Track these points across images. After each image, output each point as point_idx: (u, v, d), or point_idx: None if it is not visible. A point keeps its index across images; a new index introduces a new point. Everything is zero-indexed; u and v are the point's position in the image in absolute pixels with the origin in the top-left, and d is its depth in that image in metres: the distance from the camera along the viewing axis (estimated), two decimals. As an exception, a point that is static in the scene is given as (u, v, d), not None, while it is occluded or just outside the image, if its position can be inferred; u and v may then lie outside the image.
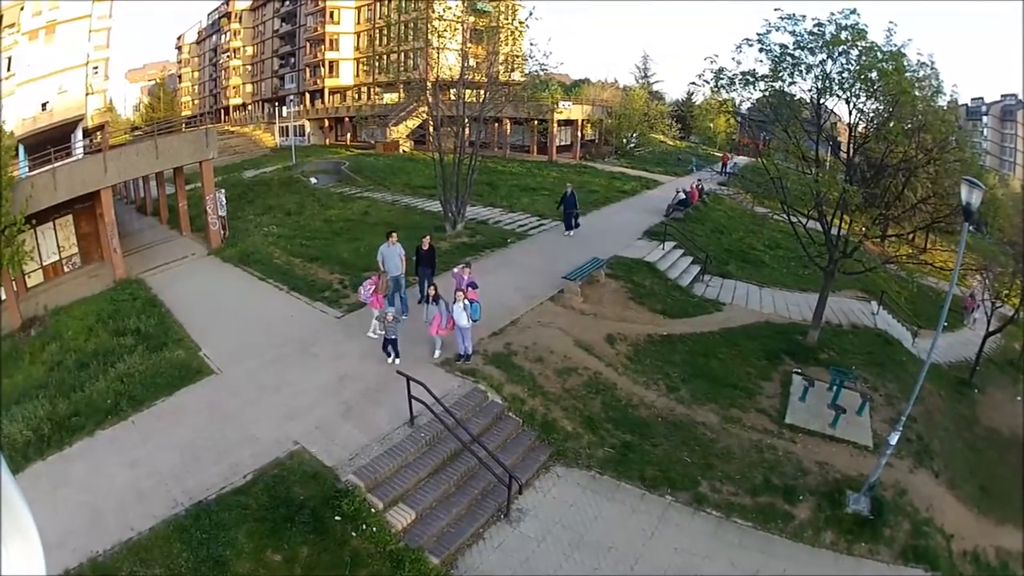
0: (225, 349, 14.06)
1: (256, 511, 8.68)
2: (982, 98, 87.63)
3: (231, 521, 8.48)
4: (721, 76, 16.44)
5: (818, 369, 15.61)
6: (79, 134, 28.75)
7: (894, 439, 10.72)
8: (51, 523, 8.39)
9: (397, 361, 12.70)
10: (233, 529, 8.35)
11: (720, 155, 53.81)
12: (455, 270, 14.40)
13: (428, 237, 16.33)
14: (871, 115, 15.72)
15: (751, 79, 16.15)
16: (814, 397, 14.23)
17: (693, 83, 21.37)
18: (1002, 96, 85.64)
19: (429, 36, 25.50)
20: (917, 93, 14.93)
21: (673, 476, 10.87)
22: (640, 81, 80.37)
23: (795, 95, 16.42)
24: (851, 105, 15.47)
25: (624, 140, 55.39)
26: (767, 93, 16.49)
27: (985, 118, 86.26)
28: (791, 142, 16.20)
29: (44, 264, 24.11)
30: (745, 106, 18.01)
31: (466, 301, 12.57)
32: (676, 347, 15.76)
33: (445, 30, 23.77)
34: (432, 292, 12.79)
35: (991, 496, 13.41)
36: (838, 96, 15.52)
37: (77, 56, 28.82)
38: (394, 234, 15.37)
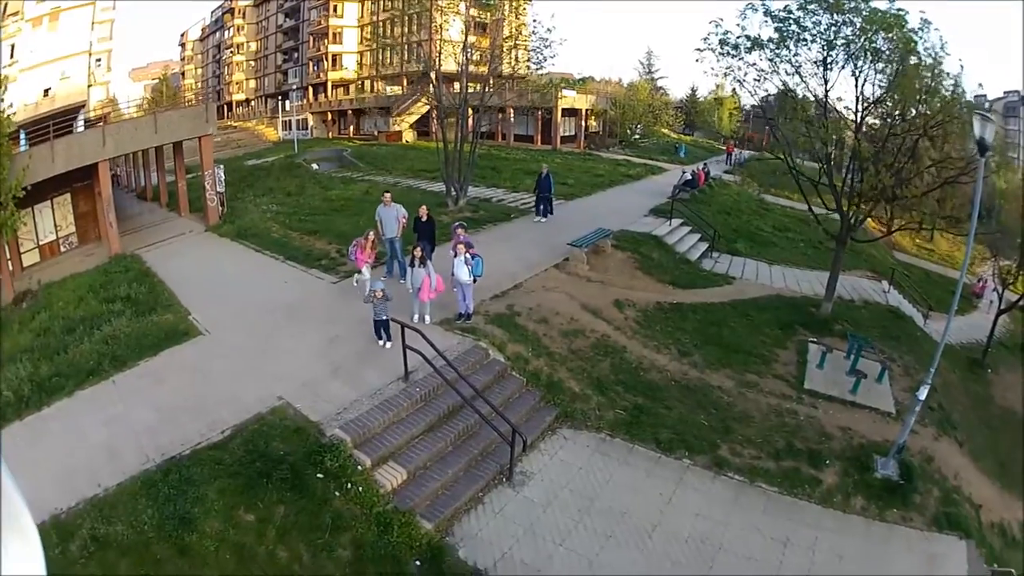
0: (215, 313, 13.14)
1: (230, 466, 7.75)
2: (985, 95, 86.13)
3: (202, 477, 7.55)
4: (726, 40, 15.71)
5: (833, 340, 14.77)
6: (80, 122, 28.11)
7: (923, 394, 9.90)
8: (19, 482, 7.48)
9: (389, 345, 11.00)
10: (203, 485, 7.41)
11: (724, 147, 52.81)
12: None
13: (425, 207, 15.18)
14: (877, 85, 14.93)
15: (757, 43, 15.41)
16: (832, 365, 13.42)
17: (698, 49, 20.38)
18: (1004, 93, 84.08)
19: (434, 17, 24.48)
20: (922, 52, 14.17)
21: (690, 439, 9.92)
22: (644, 77, 79.08)
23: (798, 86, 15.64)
24: (857, 72, 14.67)
25: (629, 131, 54.41)
26: (771, 68, 15.64)
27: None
28: (797, 103, 15.45)
29: (40, 243, 23.39)
30: (750, 76, 16.97)
31: (467, 255, 11.59)
32: (686, 315, 14.85)
33: (448, 8, 22.93)
34: (419, 254, 11.64)
35: (1009, 473, 12.62)
36: (844, 67, 14.85)
37: (80, 43, 28.12)
38: (387, 194, 14.46)
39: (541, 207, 21.91)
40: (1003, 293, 24.24)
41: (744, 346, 13.75)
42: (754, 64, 15.72)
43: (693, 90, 75.19)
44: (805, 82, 15.46)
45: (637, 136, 54.77)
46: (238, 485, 7.45)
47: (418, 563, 7.35)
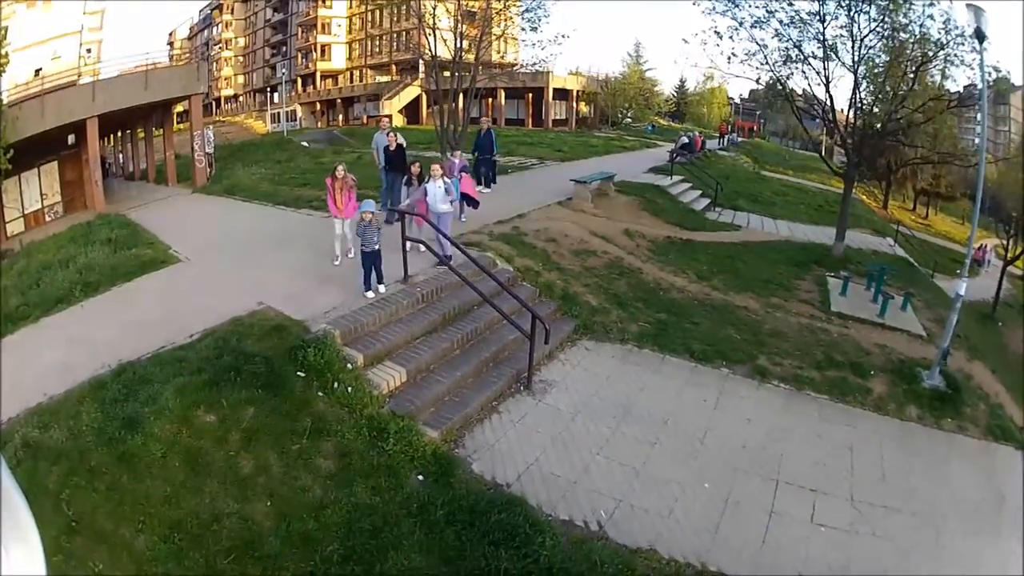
0: (196, 244, 11.78)
1: (193, 363, 6.32)
2: (974, 84, 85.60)
3: (160, 376, 6.12)
4: None
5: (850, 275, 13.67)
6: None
7: (962, 288, 9.05)
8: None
9: (381, 288, 8.21)
10: (159, 384, 5.97)
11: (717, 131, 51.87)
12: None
13: (394, 134, 12.29)
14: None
15: None
16: (855, 293, 12.36)
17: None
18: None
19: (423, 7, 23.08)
20: None
21: (725, 350, 8.71)
22: (633, 68, 77.71)
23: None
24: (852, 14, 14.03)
25: (620, 114, 53.30)
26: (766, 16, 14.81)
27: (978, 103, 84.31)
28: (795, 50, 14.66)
29: (26, 212, 22.17)
30: (747, 21, 16.07)
31: (445, 178, 9.40)
32: (698, 249, 13.66)
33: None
34: (417, 170, 9.88)
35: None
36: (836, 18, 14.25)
37: (72, 24, 26.86)
38: (385, 119, 13.04)
39: (482, 172, 16.02)
40: (1005, 264, 24.21)
41: (762, 276, 12.62)
42: (749, 5, 14.98)
43: (682, 82, 74.21)
44: (805, 27, 14.66)
45: (628, 120, 53.68)
46: (200, 382, 6.01)
47: (421, 477, 5.85)
